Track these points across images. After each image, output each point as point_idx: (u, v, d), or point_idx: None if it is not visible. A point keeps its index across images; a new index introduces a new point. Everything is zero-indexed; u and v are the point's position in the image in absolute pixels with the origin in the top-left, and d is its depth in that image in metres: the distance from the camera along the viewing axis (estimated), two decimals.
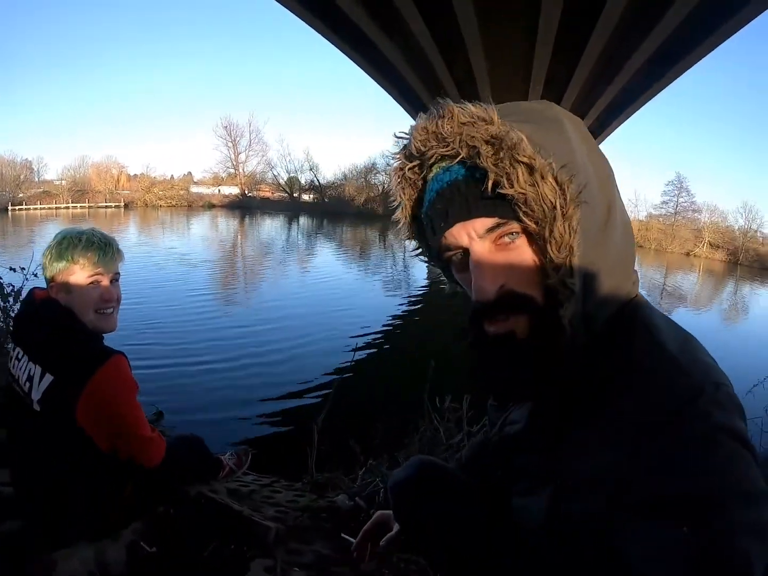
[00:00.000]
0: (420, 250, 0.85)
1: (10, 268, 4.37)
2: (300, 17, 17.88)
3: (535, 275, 0.66)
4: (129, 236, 22.21)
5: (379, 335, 8.20)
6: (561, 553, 0.65)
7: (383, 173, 55.27)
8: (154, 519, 1.67)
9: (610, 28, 15.06)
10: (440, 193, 0.69)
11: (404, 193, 0.79)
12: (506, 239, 0.66)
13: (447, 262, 0.76)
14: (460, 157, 0.66)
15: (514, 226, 0.65)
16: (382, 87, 28.04)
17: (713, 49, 16.82)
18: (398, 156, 0.76)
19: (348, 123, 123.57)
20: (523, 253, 0.66)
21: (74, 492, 1.48)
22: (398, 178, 0.78)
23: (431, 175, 0.72)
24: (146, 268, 12.94)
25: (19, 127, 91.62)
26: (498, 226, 0.66)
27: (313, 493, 2.25)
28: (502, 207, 0.65)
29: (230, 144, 58.46)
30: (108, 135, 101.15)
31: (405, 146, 0.74)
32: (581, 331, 0.65)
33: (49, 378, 1.41)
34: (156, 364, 5.78)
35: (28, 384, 1.44)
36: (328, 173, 58.31)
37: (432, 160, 0.70)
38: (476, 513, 0.94)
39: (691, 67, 18.95)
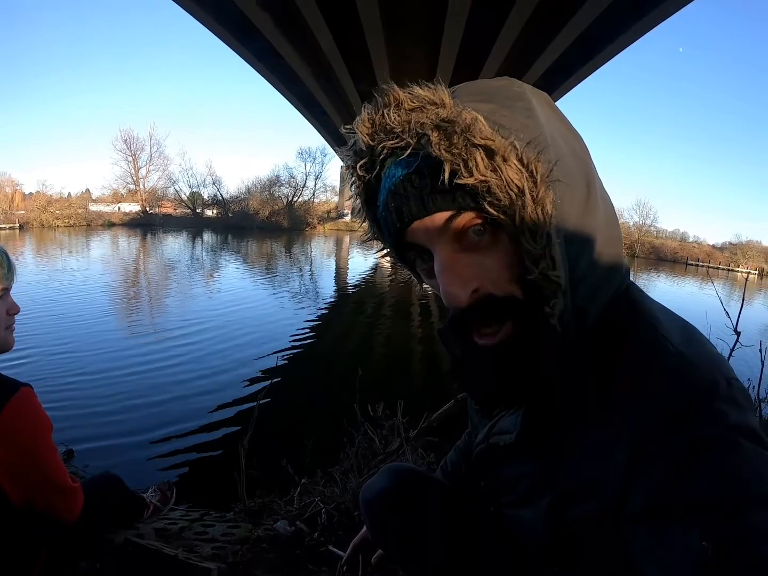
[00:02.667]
0: (385, 252, 0.74)
1: None
2: (204, 24, 17.32)
3: (513, 272, 0.59)
4: (26, 260, 20.43)
5: (297, 349, 7.95)
6: (567, 564, 0.61)
7: (287, 185, 56.10)
8: None
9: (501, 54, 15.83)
10: (392, 190, 0.61)
11: (360, 195, 0.69)
12: (473, 237, 0.59)
13: (413, 266, 0.69)
14: (411, 148, 0.58)
15: (477, 219, 0.58)
16: (285, 97, 27.59)
17: None
18: (348, 154, 0.66)
19: (251, 135, 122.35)
20: (494, 249, 0.59)
21: None
22: (351, 177, 0.67)
23: (384, 171, 0.63)
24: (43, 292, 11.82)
25: None
26: (454, 217, 0.58)
27: (248, 522, 2.12)
28: (463, 198, 0.57)
29: (130, 158, 56.30)
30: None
31: (354, 142, 0.65)
32: (573, 328, 0.59)
33: None
34: (59, 398, 5.21)
35: None
36: (231, 187, 59.14)
37: (383, 155, 0.62)
38: (468, 526, 0.88)
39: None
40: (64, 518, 1.38)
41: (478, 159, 0.54)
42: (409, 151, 0.58)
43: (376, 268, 20.58)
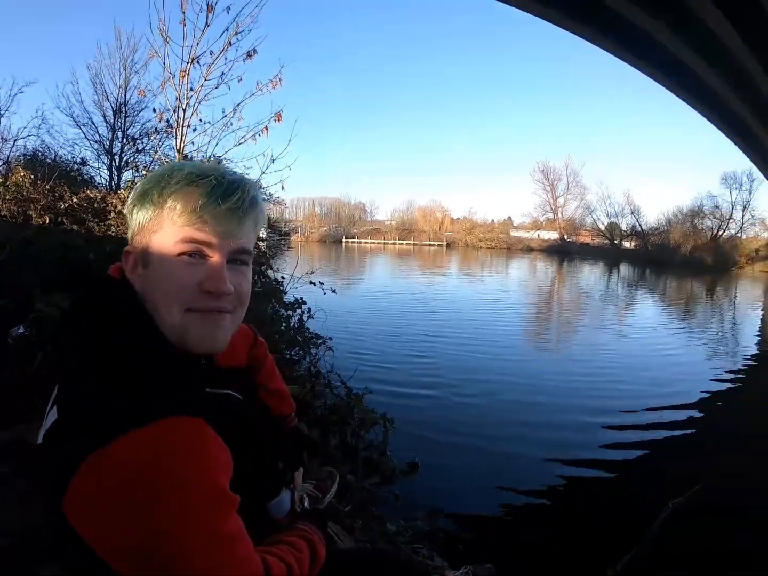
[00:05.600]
0: None
1: (310, 282, 4.99)
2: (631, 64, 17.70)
3: None
4: (450, 269, 26.25)
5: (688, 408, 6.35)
6: None
7: (710, 217, 48.69)
8: None
9: None
10: None
11: None
12: None
13: None
14: None
15: None
16: (709, 119, 26.83)
17: None
18: None
19: (670, 162, 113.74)
20: None
21: None
22: None
23: None
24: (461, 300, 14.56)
25: (358, 173, 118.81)
26: None
27: None
28: None
29: (548, 188, 59.18)
30: (433, 182, 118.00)
31: None
32: None
33: (54, 414, 0.71)
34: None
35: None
36: (650, 218, 54.90)
37: None
38: None
39: None
40: None
41: None
42: None
43: None
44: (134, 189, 0.82)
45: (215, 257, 0.77)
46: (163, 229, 0.76)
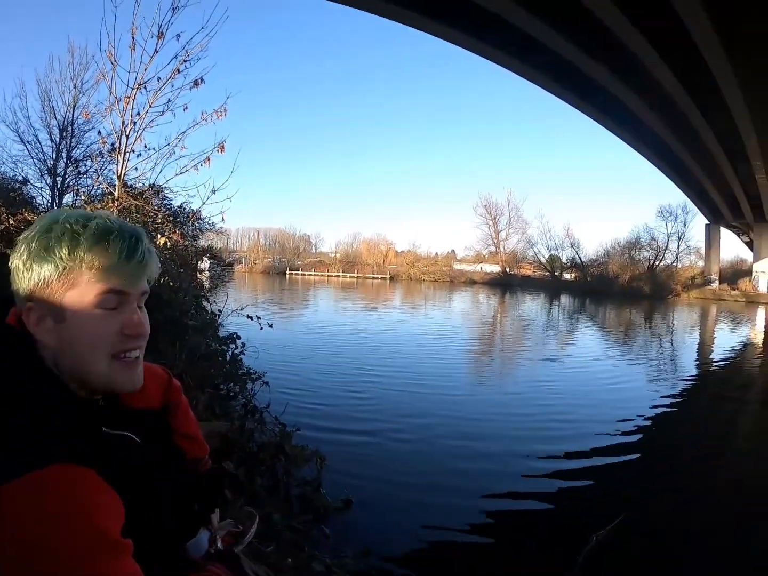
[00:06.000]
0: None
1: (247, 316, 4.83)
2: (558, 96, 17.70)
3: None
4: (394, 303, 27.15)
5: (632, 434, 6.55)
6: None
7: (647, 248, 51.65)
8: None
9: None
10: None
11: None
12: None
13: None
14: None
15: None
16: (643, 155, 26.74)
17: None
18: None
19: (608, 195, 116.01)
20: None
21: None
22: None
23: None
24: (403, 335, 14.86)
25: (300, 206, 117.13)
26: None
27: None
28: None
29: (490, 222, 60.52)
30: (378, 214, 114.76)
31: None
32: None
33: None
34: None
35: None
36: (589, 250, 55.69)
37: None
38: None
39: None
40: None
41: None
42: None
43: (746, 346, 17.52)
44: (26, 242, 0.81)
45: (130, 305, 0.82)
46: (78, 285, 0.78)
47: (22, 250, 0.81)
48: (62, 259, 0.78)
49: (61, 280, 0.79)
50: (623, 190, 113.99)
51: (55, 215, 0.83)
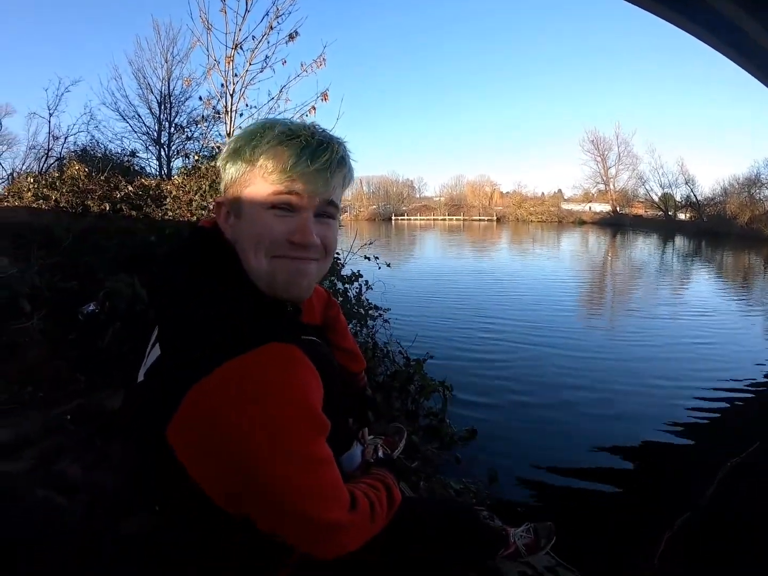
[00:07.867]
0: None
1: (365, 257, 5.10)
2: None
3: None
4: (501, 244, 26.18)
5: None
6: None
7: None
8: None
9: None
10: None
11: None
12: None
13: None
14: None
15: None
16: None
17: None
18: None
19: (724, 127, 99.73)
20: None
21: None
22: None
23: None
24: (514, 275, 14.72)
25: (403, 154, 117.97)
26: None
27: None
28: None
29: (598, 158, 56.38)
30: (482, 156, 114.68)
31: None
32: None
33: (156, 351, 0.81)
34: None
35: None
36: (705, 188, 49.85)
37: None
38: None
39: None
40: (314, 555, 0.80)
41: None
42: None
43: None
44: (227, 144, 0.88)
45: (303, 212, 0.83)
46: (255, 184, 0.82)
47: (223, 151, 0.88)
48: (244, 159, 0.83)
49: (243, 178, 0.83)
50: (741, 119, 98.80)
51: (260, 121, 0.88)
